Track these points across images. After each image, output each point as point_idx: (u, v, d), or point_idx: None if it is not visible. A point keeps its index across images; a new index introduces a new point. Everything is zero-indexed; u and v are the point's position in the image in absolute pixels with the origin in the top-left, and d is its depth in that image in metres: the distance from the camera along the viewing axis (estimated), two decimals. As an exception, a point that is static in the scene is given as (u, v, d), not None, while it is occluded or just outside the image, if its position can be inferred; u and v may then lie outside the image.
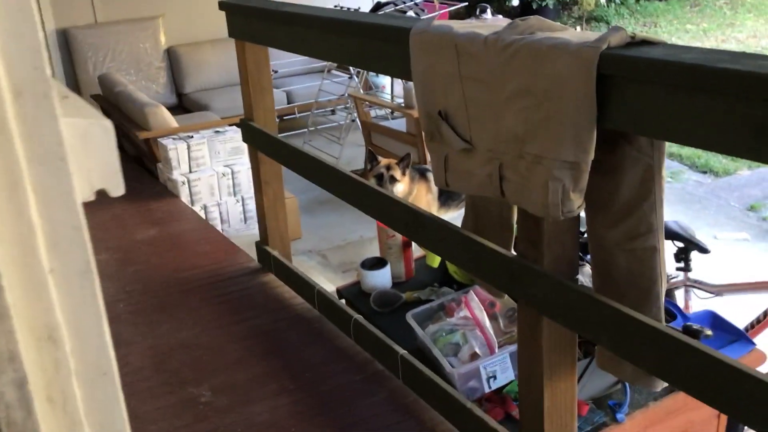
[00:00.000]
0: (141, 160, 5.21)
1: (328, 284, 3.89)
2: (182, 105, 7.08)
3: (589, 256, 1.79)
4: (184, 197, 4.54)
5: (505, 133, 1.60)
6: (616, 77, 1.36)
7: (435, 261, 3.06)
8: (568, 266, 1.72)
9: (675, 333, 1.45)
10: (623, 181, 1.56)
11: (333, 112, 7.68)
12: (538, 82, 1.48)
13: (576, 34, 1.52)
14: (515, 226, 2.04)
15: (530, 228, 1.71)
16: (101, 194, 0.49)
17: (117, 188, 0.48)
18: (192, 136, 4.64)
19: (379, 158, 4.44)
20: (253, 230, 4.73)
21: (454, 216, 4.42)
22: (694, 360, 1.38)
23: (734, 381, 1.30)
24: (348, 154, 6.43)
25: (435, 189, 4.45)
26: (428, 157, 5.30)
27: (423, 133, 1.86)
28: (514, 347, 2.41)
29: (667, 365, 1.44)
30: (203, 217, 4.53)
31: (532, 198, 1.56)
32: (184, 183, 4.53)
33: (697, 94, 1.24)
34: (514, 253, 1.85)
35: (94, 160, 0.46)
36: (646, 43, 1.39)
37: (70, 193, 0.45)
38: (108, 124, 0.49)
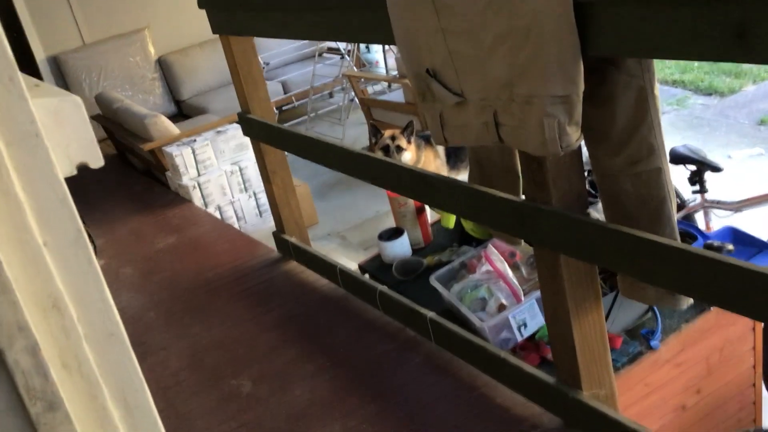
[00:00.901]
0: (150, 172, 5.25)
1: (352, 263, 3.92)
2: (181, 112, 7.11)
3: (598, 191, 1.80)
4: (197, 201, 4.58)
5: (493, 79, 1.60)
6: (593, 3, 1.36)
7: (450, 221, 3.07)
8: (577, 201, 1.73)
9: (689, 248, 1.46)
10: (618, 108, 1.56)
11: (331, 95, 7.67)
12: (517, 22, 1.48)
13: (548, -32, 1.51)
14: (519, 170, 2.05)
15: (534, 170, 1.71)
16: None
17: (96, 160, 0.50)
18: (195, 140, 4.67)
19: (383, 131, 4.44)
20: (270, 223, 4.76)
21: (466, 176, 4.42)
22: (711, 271, 1.39)
23: (753, 284, 1.31)
24: (351, 134, 6.44)
25: (443, 153, 4.45)
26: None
27: (415, 95, 1.87)
28: (539, 292, 2.42)
29: (687, 281, 1.44)
30: (219, 217, 4.57)
31: (530, 139, 1.56)
32: (194, 187, 4.57)
33: (676, 5, 1.23)
34: (523, 198, 1.86)
35: (69, 134, 0.48)
36: (617, -36, 1.38)
37: (51, 168, 0.47)
38: (77, 99, 0.51)
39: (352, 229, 5.09)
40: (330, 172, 5.86)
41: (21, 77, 0.44)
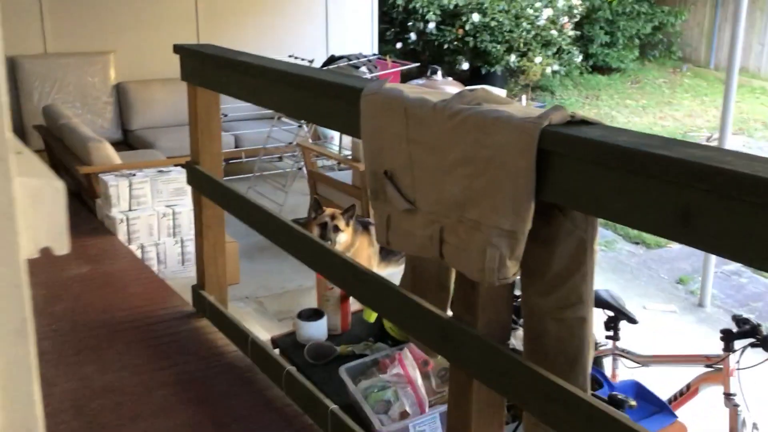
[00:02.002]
0: (79, 195, 5.11)
1: (263, 332, 3.85)
2: (127, 141, 6.99)
3: (521, 321, 1.83)
4: (122, 235, 4.45)
5: (447, 197, 1.64)
6: (555, 153, 1.42)
7: (372, 316, 3.07)
8: (500, 330, 1.75)
9: (599, 403, 1.49)
10: (557, 252, 1.61)
11: (280, 158, 7.69)
12: (481, 151, 1.53)
13: (520, 108, 1.58)
14: (452, 288, 2.08)
15: (466, 291, 1.74)
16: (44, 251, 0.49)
17: (62, 247, 0.49)
18: (135, 174, 4.59)
19: (324, 208, 4.46)
20: (191, 272, 4.65)
21: (395, 272, 4.45)
22: (616, 431, 1.42)
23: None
24: (292, 202, 6.43)
25: (377, 243, 4.48)
26: (371, 212, 5.33)
27: (368, 192, 1.89)
28: (444, 407, 2.42)
29: (590, 435, 1.47)
30: (140, 256, 4.45)
31: (469, 262, 1.59)
32: (122, 221, 4.46)
33: (629, 176, 1.30)
34: (450, 314, 1.88)
35: (42, 219, 0.47)
36: (584, 123, 1.46)
37: (15, 252, 0.45)
38: (60, 185, 0.50)
39: (272, 297, 5.02)
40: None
41: (13, 159, 0.43)
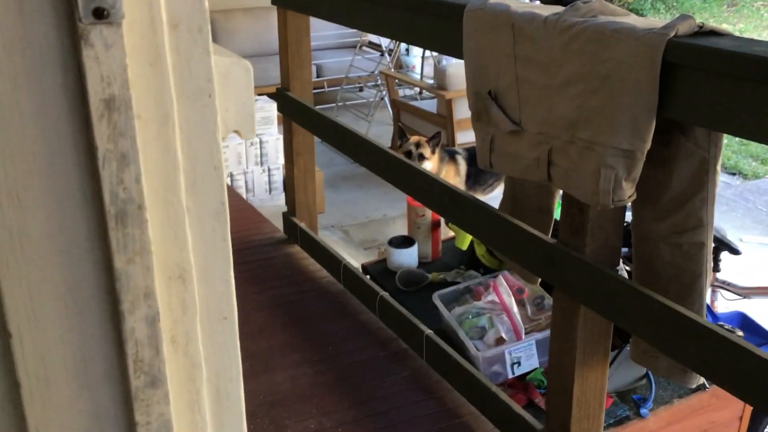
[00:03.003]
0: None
1: (350, 260, 3.89)
2: (211, 72, 7.07)
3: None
4: (212, 164, 4.53)
5: (557, 117, 1.57)
6: (682, 66, 1.33)
7: (464, 243, 3.04)
8: (610, 255, 1.70)
9: (717, 328, 1.43)
10: (675, 174, 1.53)
11: (361, 89, 7.64)
12: (598, 66, 1.45)
13: (640, 20, 1.49)
14: (554, 212, 2.02)
15: (574, 215, 1.69)
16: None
17: (250, 131, 0.47)
18: (223, 103, 4.63)
19: (408, 136, 4.41)
20: (277, 201, 4.74)
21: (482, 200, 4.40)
22: (736, 357, 1.36)
23: (780, 382, 1.29)
24: (374, 131, 6.41)
25: (463, 172, 4.42)
26: (457, 140, 5.26)
27: (470, 113, 1.84)
28: (540, 335, 2.39)
29: (709, 361, 1.42)
30: (229, 184, 4.54)
31: (581, 185, 1.53)
32: (212, 149, 4.53)
33: (766, 88, 1.21)
34: (553, 240, 1.83)
35: (231, 99, 0.45)
36: (713, 33, 1.36)
37: (214, 132, 0.44)
38: (248, 64, 0.48)
39: (357, 226, 5.05)
40: (345, 163, 5.84)
41: (209, 30, 0.41)
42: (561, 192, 1.79)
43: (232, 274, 0.48)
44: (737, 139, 6.48)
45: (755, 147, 6.55)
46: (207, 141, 0.43)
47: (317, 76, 6.98)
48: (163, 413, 0.44)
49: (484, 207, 2.02)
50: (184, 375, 0.45)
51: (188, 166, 0.43)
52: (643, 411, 2.25)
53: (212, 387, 0.47)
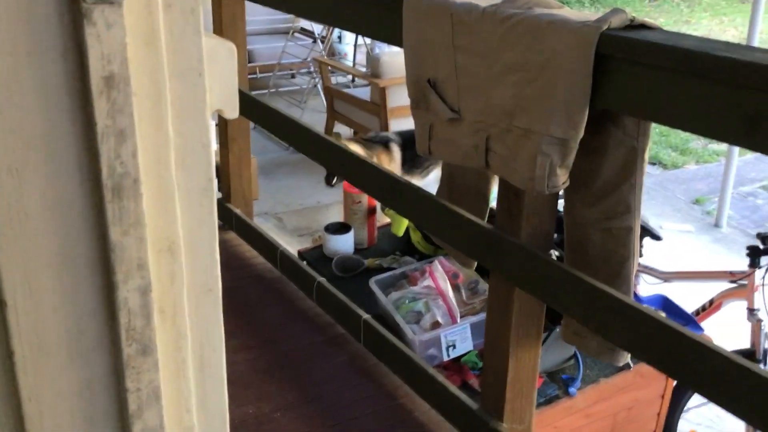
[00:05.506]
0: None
1: (286, 247, 3.89)
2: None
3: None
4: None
5: (495, 105, 1.62)
6: (614, 58, 1.39)
7: (400, 229, 3.09)
8: (544, 240, 1.76)
9: (645, 308, 1.51)
10: (606, 161, 1.60)
11: (293, 76, 7.60)
12: (534, 56, 1.50)
13: (574, 12, 1.55)
14: (490, 198, 2.08)
15: (510, 199, 1.74)
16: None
17: (233, 111, 0.48)
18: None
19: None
20: (210, 188, 4.67)
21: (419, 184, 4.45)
22: (663, 336, 1.44)
23: (701, 356, 1.37)
24: (307, 119, 6.39)
25: (398, 157, 4.46)
26: (390, 127, 5.30)
27: (409, 100, 1.87)
28: (475, 318, 2.46)
29: (636, 340, 1.50)
30: (160, 171, 4.46)
31: (518, 171, 1.59)
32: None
33: (693, 80, 1.28)
34: (490, 225, 1.88)
35: (215, 79, 0.46)
36: (644, 27, 1.43)
37: (203, 109, 0.45)
38: (232, 46, 0.49)
39: (290, 213, 5.05)
40: (278, 150, 5.81)
41: (201, 13, 0.42)
42: (497, 178, 1.84)
43: (217, 248, 0.49)
44: (658, 130, 6.74)
45: (675, 138, 6.83)
46: (197, 119, 0.45)
47: (249, 62, 6.90)
48: (153, 380, 0.45)
49: (423, 193, 2.06)
50: (171, 344, 0.47)
51: (179, 143, 0.45)
52: (571, 390, 2.34)
53: (196, 356, 0.48)
